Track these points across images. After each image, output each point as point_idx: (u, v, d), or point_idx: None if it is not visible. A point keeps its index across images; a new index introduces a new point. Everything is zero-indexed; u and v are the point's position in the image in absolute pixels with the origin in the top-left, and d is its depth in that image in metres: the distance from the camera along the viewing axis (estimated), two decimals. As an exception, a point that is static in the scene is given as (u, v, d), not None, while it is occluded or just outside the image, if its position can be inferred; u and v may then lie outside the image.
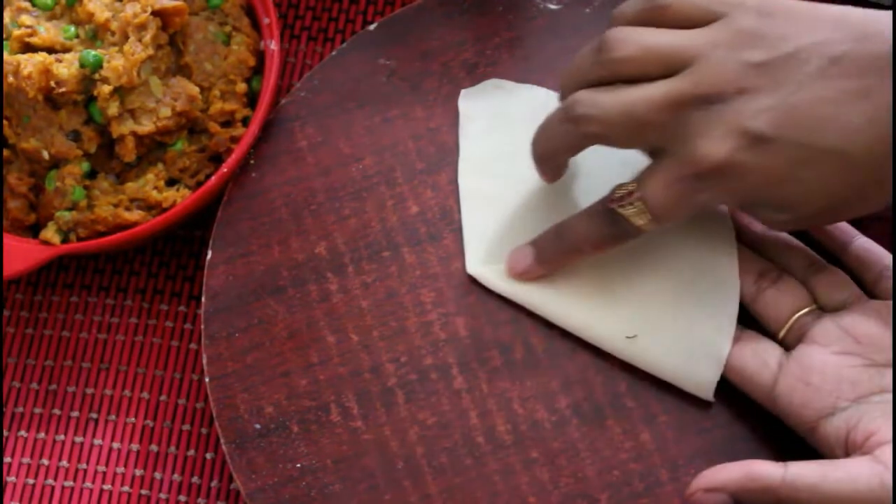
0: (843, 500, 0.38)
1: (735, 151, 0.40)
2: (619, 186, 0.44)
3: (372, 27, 0.55)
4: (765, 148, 0.40)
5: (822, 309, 0.45)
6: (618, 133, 0.43)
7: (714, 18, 0.42)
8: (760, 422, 0.45)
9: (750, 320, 0.46)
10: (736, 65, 0.41)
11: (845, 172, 0.40)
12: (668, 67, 0.42)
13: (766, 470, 0.40)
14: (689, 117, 0.41)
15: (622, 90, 0.42)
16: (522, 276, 0.48)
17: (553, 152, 0.46)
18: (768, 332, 0.46)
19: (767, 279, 0.46)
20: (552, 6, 0.54)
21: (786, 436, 0.44)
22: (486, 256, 0.49)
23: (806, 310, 0.45)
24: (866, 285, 0.45)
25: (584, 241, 0.46)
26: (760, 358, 0.44)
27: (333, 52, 0.54)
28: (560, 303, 0.48)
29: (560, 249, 0.47)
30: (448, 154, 0.52)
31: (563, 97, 0.45)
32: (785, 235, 0.47)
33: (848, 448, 0.41)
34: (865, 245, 0.46)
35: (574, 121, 0.43)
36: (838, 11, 0.41)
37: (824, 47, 0.40)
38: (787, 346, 0.45)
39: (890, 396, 0.41)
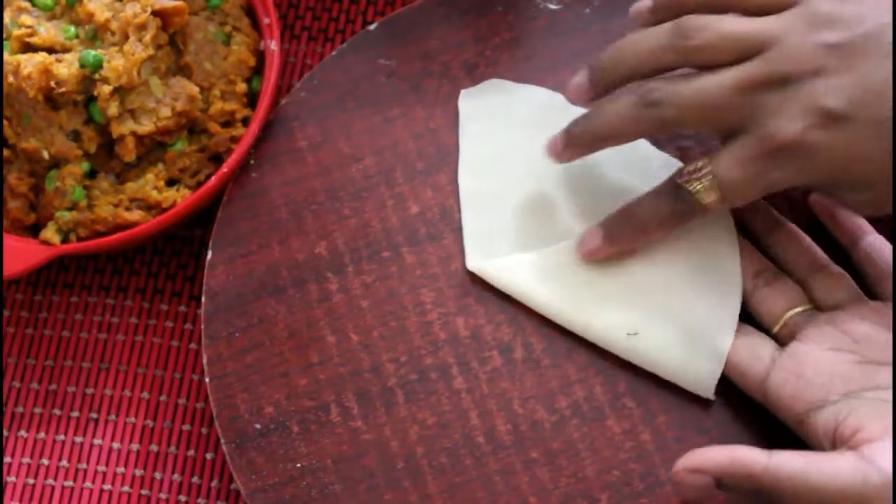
0: (824, 492, 0.38)
1: (810, 129, 0.41)
2: (689, 163, 0.44)
3: (372, 27, 0.55)
4: (840, 126, 0.40)
5: (819, 308, 0.45)
6: (693, 117, 0.43)
7: (791, 4, 0.43)
8: (760, 422, 0.45)
9: (745, 316, 0.47)
10: (812, 46, 0.41)
11: None
12: (744, 53, 0.42)
13: (750, 456, 0.40)
14: (764, 98, 0.42)
15: (699, 77, 0.43)
16: (591, 255, 0.48)
17: (617, 133, 0.45)
18: (763, 329, 0.46)
19: (763, 278, 0.46)
20: (552, 6, 0.54)
21: (785, 436, 0.44)
22: (485, 252, 0.49)
23: (800, 308, 0.45)
24: (868, 284, 0.46)
25: (650, 220, 0.46)
26: (754, 351, 0.45)
27: (333, 52, 0.54)
28: (560, 299, 0.48)
29: (627, 228, 0.47)
30: (448, 154, 0.52)
31: (620, 77, 0.45)
32: (791, 231, 0.47)
33: (835, 441, 0.41)
34: (875, 243, 0.46)
35: (652, 104, 0.43)
36: None
37: (891, 28, 0.41)
38: (781, 342, 0.45)
39: (883, 394, 0.41)
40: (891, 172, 0.41)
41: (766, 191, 0.43)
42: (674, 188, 0.45)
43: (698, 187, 0.43)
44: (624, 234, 0.47)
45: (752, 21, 0.43)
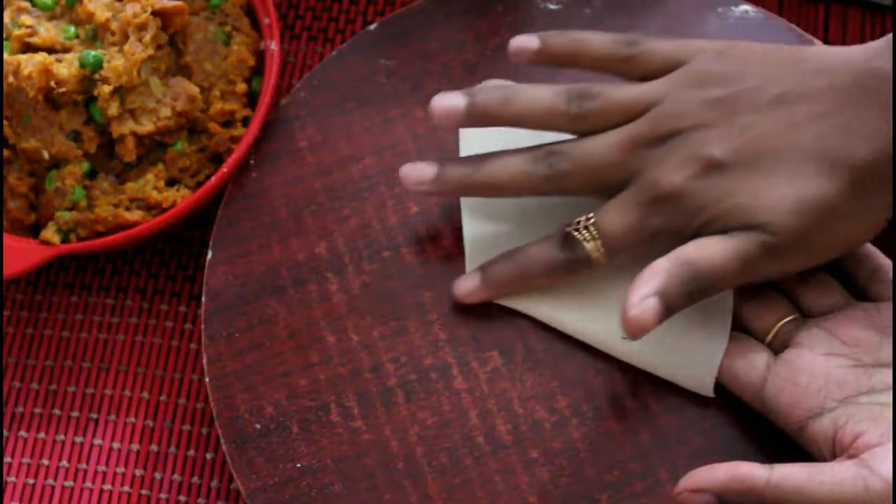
0: (828, 503, 0.38)
1: (691, 177, 0.42)
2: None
3: (372, 27, 0.55)
4: (720, 172, 0.42)
5: (808, 315, 0.45)
6: (581, 177, 0.45)
7: (679, 65, 0.45)
8: (760, 422, 0.45)
9: (735, 331, 0.46)
10: (694, 103, 0.43)
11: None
12: (630, 116, 0.44)
13: (751, 472, 0.40)
14: (648, 154, 0.44)
15: (586, 140, 0.45)
16: (466, 297, 0.48)
17: (510, 183, 0.46)
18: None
19: (749, 290, 0.46)
20: (552, 6, 0.54)
21: (785, 436, 0.44)
22: (486, 256, 0.49)
23: (789, 318, 0.45)
24: (858, 286, 0.46)
25: (534, 265, 0.46)
26: (749, 360, 0.45)
27: (333, 53, 0.55)
28: (556, 306, 0.48)
29: (508, 270, 0.47)
30: (448, 154, 0.52)
31: (502, 120, 0.47)
32: None
33: (835, 448, 0.41)
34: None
35: (550, 154, 0.45)
36: (793, 51, 0.44)
37: (774, 84, 0.42)
38: (774, 352, 0.45)
39: (879, 397, 0.41)
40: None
41: (648, 240, 0.44)
42: (562, 236, 0.45)
43: (583, 235, 0.44)
44: (504, 279, 0.47)
45: (637, 86, 0.45)
